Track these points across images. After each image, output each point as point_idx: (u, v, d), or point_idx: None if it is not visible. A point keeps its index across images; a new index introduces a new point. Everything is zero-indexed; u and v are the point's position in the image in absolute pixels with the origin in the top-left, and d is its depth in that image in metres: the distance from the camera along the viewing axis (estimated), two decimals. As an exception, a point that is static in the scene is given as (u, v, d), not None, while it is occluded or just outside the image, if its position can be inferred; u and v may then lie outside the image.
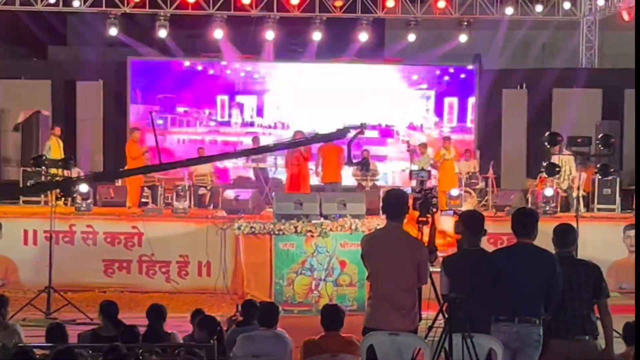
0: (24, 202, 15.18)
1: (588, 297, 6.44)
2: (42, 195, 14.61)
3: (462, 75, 20.33)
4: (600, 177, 14.15)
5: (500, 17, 19.87)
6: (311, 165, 16.36)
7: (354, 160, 12.79)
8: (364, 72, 20.40)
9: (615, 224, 14.22)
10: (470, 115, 20.22)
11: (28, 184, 14.74)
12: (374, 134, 19.76)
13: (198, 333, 7.07)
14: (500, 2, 19.81)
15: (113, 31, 19.09)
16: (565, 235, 6.65)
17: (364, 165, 15.99)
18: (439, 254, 7.11)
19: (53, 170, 11.75)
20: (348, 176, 17.89)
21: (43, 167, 11.78)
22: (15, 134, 17.53)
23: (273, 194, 14.55)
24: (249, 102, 20.36)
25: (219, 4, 19.21)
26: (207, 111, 20.16)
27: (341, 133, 6.17)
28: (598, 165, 11.89)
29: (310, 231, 12.22)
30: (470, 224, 6.71)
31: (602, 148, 11.12)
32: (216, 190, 16.30)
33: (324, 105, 20.05)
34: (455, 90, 20.34)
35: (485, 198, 16.98)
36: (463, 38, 19.73)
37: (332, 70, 20.32)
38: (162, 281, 13.48)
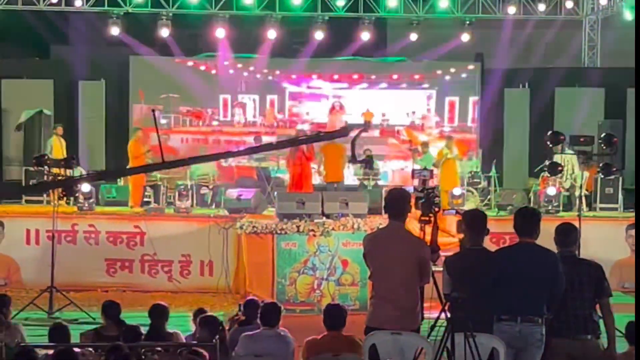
0: (26, 201, 15.17)
1: (590, 297, 6.44)
2: (45, 195, 14.60)
3: (464, 75, 20.32)
4: (602, 176, 14.16)
5: (503, 16, 19.86)
6: (313, 164, 16.35)
7: (359, 158, 12.79)
8: (366, 70, 20.39)
9: (618, 223, 14.21)
10: (471, 114, 20.21)
11: (30, 183, 14.74)
12: (375, 133, 19.78)
13: (200, 332, 7.06)
14: (503, 1, 19.80)
15: (115, 30, 19.11)
16: (568, 234, 6.65)
17: (368, 163, 16.02)
18: (442, 253, 7.10)
19: (55, 170, 11.75)
20: (350, 175, 17.89)
21: (45, 167, 11.78)
22: (17, 133, 17.55)
23: (275, 193, 14.55)
24: (251, 101, 20.37)
25: (221, 3, 19.22)
26: (209, 111, 20.17)
27: (344, 131, 6.15)
28: (600, 165, 11.90)
29: (312, 230, 12.23)
30: (473, 223, 6.71)
31: (604, 147, 11.13)
32: (218, 189, 16.29)
33: (326, 105, 20.09)
34: (457, 89, 20.32)
35: (488, 197, 16.97)
36: (465, 37, 19.72)
37: (334, 69, 20.31)
38: (165, 280, 13.47)
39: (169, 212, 14.45)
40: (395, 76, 20.35)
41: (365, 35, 19.49)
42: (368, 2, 19.57)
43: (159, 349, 6.34)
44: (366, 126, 6.28)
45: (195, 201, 15.69)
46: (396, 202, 6.64)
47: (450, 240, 11.51)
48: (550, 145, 11.28)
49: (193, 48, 20.29)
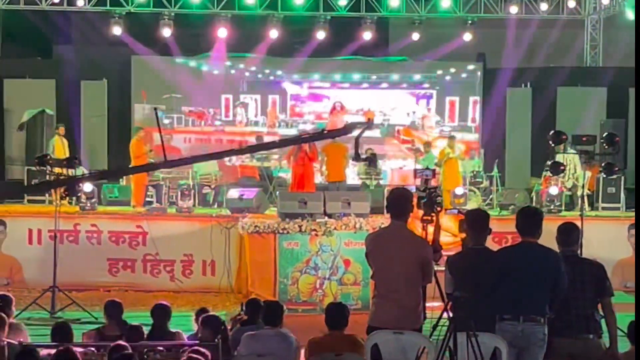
0: (28, 201, 15.20)
1: (592, 296, 6.44)
2: (47, 195, 14.61)
3: (464, 75, 20.32)
4: (604, 175, 14.16)
5: (505, 16, 19.85)
6: (315, 163, 16.35)
7: (362, 156, 12.77)
8: (367, 70, 20.39)
9: (620, 222, 14.20)
10: (472, 114, 20.21)
11: (33, 183, 14.75)
12: (376, 132, 19.77)
13: (202, 332, 7.07)
14: (505, 1, 19.79)
15: (117, 30, 19.13)
16: (570, 234, 6.65)
17: (372, 161, 15.99)
18: (444, 252, 7.10)
19: (57, 170, 11.74)
20: (352, 175, 17.89)
21: (47, 166, 11.78)
22: (19, 133, 17.56)
23: (277, 192, 14.56)
24: (253, 101, 20.37)
25: (222, 3, 19.23)
26: (211, 111, 20.18)
27: (348, 129, 6.15)
28: (603, 164, 11.89)
29: (314, 230, 12.23)
30: (475, 222, 6.71)
31: (606, 147, 11.11)
32: (221, 189, 16.29)
33: (328, 104, 20.09)
34: (458, 89, 20.32)
35: (490, 197, 16.97)
36: (467, 37, 19.72)
37: (336, 69, 20.31)
38: (167, 280, 13.48)
39: (171, 212, 14.46)
40: (396, 76, 20.35)
41: (367, 35, 19.49)
42: (370, 1, 19.58)
43: (161, 348, 6.34)
44: (369, 123, 6.25)
45: (197, 201, 15.69)
46: (398, 201, 6.64)
47: (452, 239, 11.51)
48: (553, 145, 11.28)
49: (195, 48, 20.29)
